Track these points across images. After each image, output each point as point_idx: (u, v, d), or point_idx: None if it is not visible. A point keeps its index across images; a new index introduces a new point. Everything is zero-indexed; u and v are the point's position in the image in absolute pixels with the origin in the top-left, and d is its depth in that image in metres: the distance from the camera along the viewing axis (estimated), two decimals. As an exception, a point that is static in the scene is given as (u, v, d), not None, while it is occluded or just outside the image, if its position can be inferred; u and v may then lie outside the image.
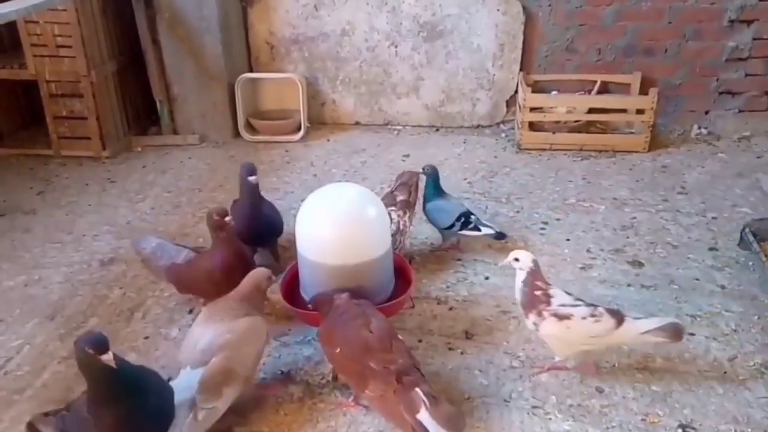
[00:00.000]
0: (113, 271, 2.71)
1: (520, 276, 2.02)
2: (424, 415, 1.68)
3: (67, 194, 3.45)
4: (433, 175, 2.78)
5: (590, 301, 2.04)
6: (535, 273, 2.01)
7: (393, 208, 2.55)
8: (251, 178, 2.47)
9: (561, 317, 1.95)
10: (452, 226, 2.70)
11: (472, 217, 2.73)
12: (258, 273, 2.04)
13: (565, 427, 1.89)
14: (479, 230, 2.71)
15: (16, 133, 4.06)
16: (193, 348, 1.86)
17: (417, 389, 1.72)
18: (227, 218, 2.21)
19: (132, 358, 2.19)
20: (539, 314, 1.97)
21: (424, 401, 1.69)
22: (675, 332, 1.95)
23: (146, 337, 2.31)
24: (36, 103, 3.84)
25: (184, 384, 1.79)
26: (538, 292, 2.00)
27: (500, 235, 2.74)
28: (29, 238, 3.01)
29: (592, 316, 1.95)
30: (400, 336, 1.93)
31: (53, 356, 2.22)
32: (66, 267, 2.75)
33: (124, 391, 1.61)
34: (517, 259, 2.02)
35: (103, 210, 3.27)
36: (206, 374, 1.77)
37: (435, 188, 2.78)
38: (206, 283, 2.24)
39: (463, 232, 2.71)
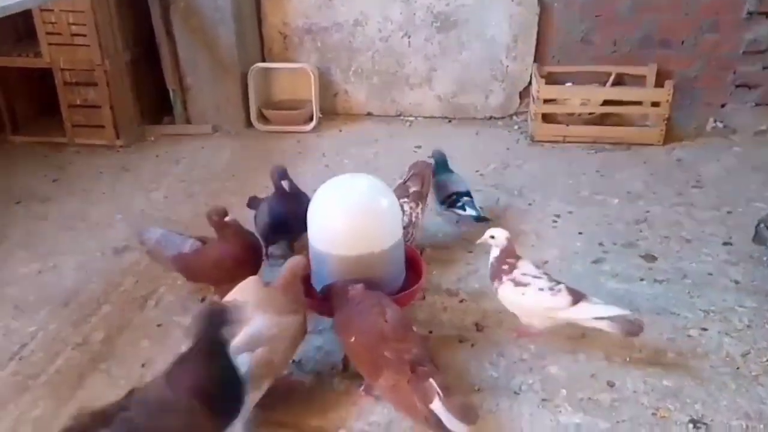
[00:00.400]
0: (126, 259, 2.73)
1: (494, 252, 2.16)
2: (437, 406, 1.68)
3: (82, 182, 3.47)
4: (440, 159, 2.93)
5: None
6: (507, 249, 2.14)
7: (405, 199, 2.55)
8: (284, 183, 2.47)
9: (518, 284, 2.08)
10: (443, 202, 2.79)
11: (464, 198, 2.78)
12: (295, 261, 2.06)
13: (575, 420, 1.89)
14: (464, 210, 2.79)
15: (31, 121, 4.09)
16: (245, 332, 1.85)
17: (430, 380, 1.72)
18: (227, 218, 2.23)
19: (145, 345, 2.22)
20: (499, 279, 2.11)
21: (437, 392, 1.70)
22: (627, 327, 2.02)
23: (159, 325, 2.33)
24: (51, 91, 3.87)
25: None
26: (505, 266, 2.12)
27: (480, 219, 2.79)
28: (44, 225, 3.04)
29: (551, 289, 2.05)
30: (414, 327, 1.93)
31: (67, 342, 2.25)
32: (80, 254, 2.78)
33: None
34: (492, 237, 2.15)
35: (116, 198, 3.30)
36: (253, 365, 1.77)
37: (442, 168, 2.93)
38: (215, 270, 2.28)
39: (452, 210, 2.80)
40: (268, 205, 2.57)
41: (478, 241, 2.22)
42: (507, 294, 2.11)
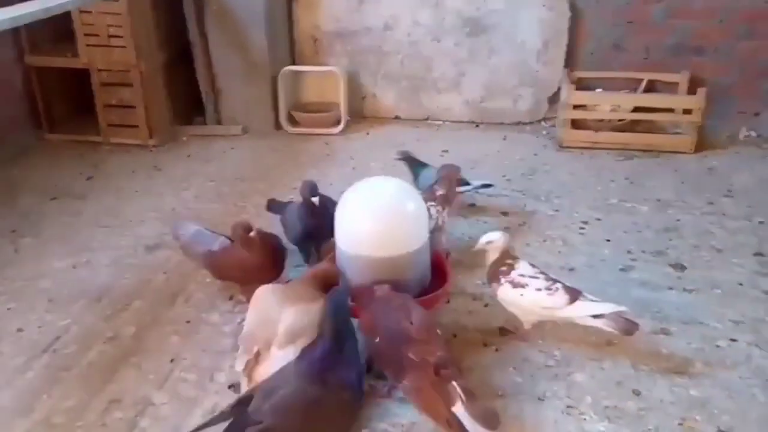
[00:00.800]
0: (158, 256, 2.79)
1: (492, 255, 2.18)
2: (459, 409, 1.69)
3: (115, 180, 3.55)
4: (410, 157, 3.10)
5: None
6: (505, 252, 2.17)
7: (432, 203, 2.55)
8: (314, 200, 2.44)
9: (516, 285, 2.11)
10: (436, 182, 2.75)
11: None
12: (327, 267, 2.14)
13: (599, 428, 1.88)
14: (469, 184, 2.99)
15: (67, 120, 4.19)
16: (274, 328, 1.89)
17: (453, 383, 1.73)
18: (251, 233, 2.26)
19: (174, 340, 2.26)
20: (498, 281, 2.14)
21: (460, 395, 1.70)
22: (623, 325, 2.03)
23: (188, 321, 2.37)
24: (87, 91, 3.96)
25: (282, 362, 1.80)
26: (504, 267, 2.15)
27: (486, 185, 2.94)
28: (78, 221, 3.11)
29: (548, 289, 2.07)
30: (439, 330, 1.94)
31: (99, 336, 2.30)
32: (113, 250, 2.84)
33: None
34: (490, 242, 2.18)
35: (149, 197, 3.36)
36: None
37: (419, 164, 3.06)
38: (239, 271, 2.32)
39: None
40: (299, 217, 2.52)
41: (475, 248, 2.23)
42: (506, 295, 2.13)
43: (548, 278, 2.13)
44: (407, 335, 1.83)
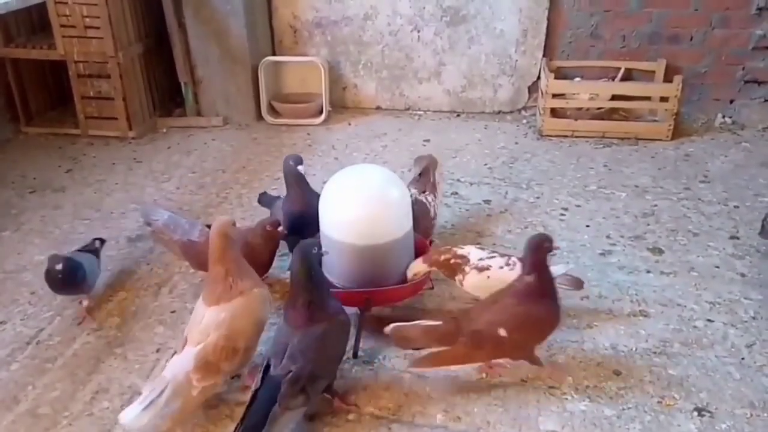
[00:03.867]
0: (140, 247, 2.78)
1: (431, 267, 2.22)
2: None
3: (95, 173, 3.52)
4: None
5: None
6: (446, 254, 2.21)
7: (426, 193, 2.59)
8: (300, 168, 2.43)
9: (480, 269, 2.17)
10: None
11: None
12: (220, 223, 1.93)
13: (581, 408, 1.92)
14: None
15: (45, 112, 4.14)
16: (197, 325, 1.89)
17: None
18: (280, 228, 2.28)
19: (160, 330, 2.26)
20: (462, 272, 2.18)
21: None
22: (575, 282, 2.25)
23: (173, 312, 2.37)
24: (64, 83, 3.92)
25: (183, 359, 1.83)
26: (459, 261, 2.19)
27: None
28: (59, 214, 3.09)
29: (507, 264, 2.16)
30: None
31: (83, 328, 2.29)
32: (95, 243, 2.83)
33: None
34: (415, 274, 2.21)
35: (129, 189, 3.34)
36: (200, 356, 1.81)
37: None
38: None
39: None
40: (284, 210, 2.50)
41: (410, 276, 2.23)
42: (474, 282, 2.18)
43: (502, 255, 2.21)
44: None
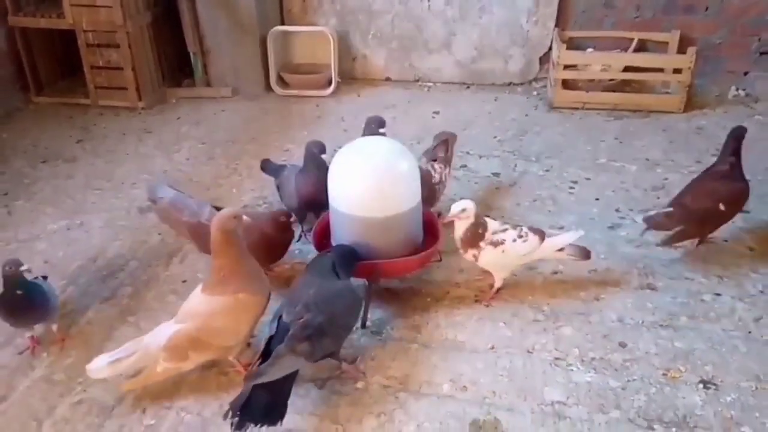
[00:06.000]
0: (151, 217, 2.79)
1: (464, 224, 2.16)
2: None
3: (106, 143, 3.54)
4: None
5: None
6: (477, 218, 2.17)
7: (434, 162, 2.66)
8: (324, 156, 2.47)
9: (496, 244, 2.16)
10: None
11: None
12: (221, 218, 1.88)
13: (586, 379, 1.94)
14: None
15: (55, 82, 4.14)
16: (186, 304, 1.93)
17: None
18: (292, 218, 2.27)
19: (171, 299, 2.30)
20: (477, 247, 2.16)
21: None
22: (582, 252, 2.24)
23: (184, 281, 2.40)
24: (74, 53, 3.91)
25: (162, 332, 1.87)
26: (480, 230, 2.17)
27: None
28: (71, 184, 3.11)
29: (520, 236, 2.18)
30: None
31: (96, 296, 2.33)
32: (106, 212, 2.86)
33: None
34: (464, 210, 2.15)
35: (140, 159, 3.36)
36: (172, 338, 1.84)
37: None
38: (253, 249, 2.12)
39: None
40: (296, 184, 2.52)
41: (446, 219, 2.19)
42: (490, 257, 2.17)
43: (514, 227, 2.21)
44: None
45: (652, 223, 2.42)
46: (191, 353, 1.86)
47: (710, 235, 2.51)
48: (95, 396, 1.91)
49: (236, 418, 1.65)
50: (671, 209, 2.42)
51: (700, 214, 2.38)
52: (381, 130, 2.55)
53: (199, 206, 2.31)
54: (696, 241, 2.51)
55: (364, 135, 2.58)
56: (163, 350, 1.84)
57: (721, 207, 2.38)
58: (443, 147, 2.74)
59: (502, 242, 2.16)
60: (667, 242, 2.44)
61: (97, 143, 3.54)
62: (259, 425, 1.67)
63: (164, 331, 1.87)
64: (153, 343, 1.86)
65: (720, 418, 1.81)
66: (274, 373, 1.70)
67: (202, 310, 1.88)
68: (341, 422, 1.82)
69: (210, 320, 1.86)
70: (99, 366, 1.85)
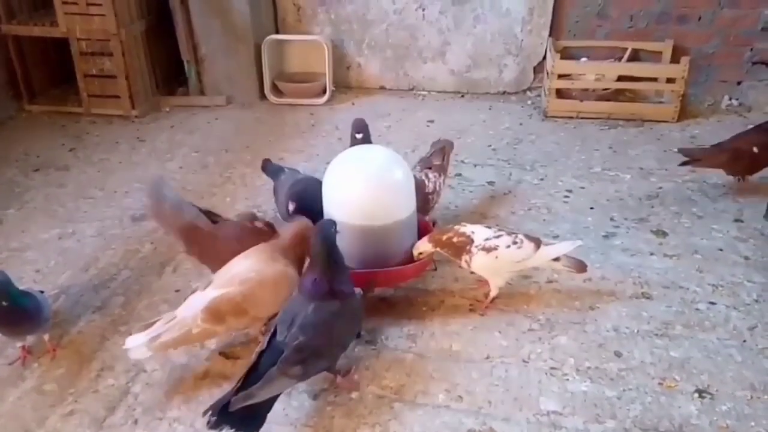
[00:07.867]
0: (144, 226, 2.78)
1: (433, 249, 2.19)
2: None
3: (98, 151, 3.52)
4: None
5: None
6: (449, 234, 2.18)
7: (429, 170, 2.64)
8: (359, 136, 2.53)
9: (488, 250, 2.14)
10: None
11: None
12: (302, 224, 2.09)
13: (582, 388, 1.93)
14: None
15: (47, 90, 4.13)
16: (227, 272, 1.96)
17: None
18: (256, 223, 2.25)
19: (164, 309, 2.27)
20: (468, 253, 2.15)
21: None
22: (578, 265, 2.22)
23: (177, 290, 2.38)
24: (67, 61, 3.90)
25: (195, 302, 1.91)
26: (462, 239, 2.17)
27: None
28: (63, 193, 3.09)
29: (514, 243, 2.16)
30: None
31: (88, 306, 2.31)
32: (98, 221, 2.84)
33: None
34: (420, 253, 2.19)
35: (133, 168, 3.34)
36: (215, 300, 1.89)
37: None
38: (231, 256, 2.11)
39: None
40: (289, 188, 2.49)
41: (416, 256, 2.21)
42: (482, 262, 2.16)
43: (509, 233, 2.20)
44: None
45: (687, 152, 2.90)
46: (229, 318, 1.89)
47: (748, 177, 2.95)
48: (87, 407, 1.89)
49: (214, 417, 1.64)
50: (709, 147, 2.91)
51: (732, 152, 2.84)
52: (357, 135, 2.52)
53: (197, 215, 2.26)
54: (738, 178, 2.96)
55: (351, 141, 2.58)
56: (203, 311, 1.86)
57: (755, 150, 2.81)
58: (440, 155, 2.73)
59: (495, 248, 2.15)
60: (690, 164, 2.90)
61: (90, 152, 3.52)
62: (234, 430, 1.65)
63: (202, 297, 1.90)
64: (188, 314, 1.88)
65: (715, 428, 1.80)
66: (263, 395, 1.68)
67: (249, 278, 1.92)
68: (335, 433, 1.80)
69: (256, 290, 1.91)
70: (137, 345, 1.83)
